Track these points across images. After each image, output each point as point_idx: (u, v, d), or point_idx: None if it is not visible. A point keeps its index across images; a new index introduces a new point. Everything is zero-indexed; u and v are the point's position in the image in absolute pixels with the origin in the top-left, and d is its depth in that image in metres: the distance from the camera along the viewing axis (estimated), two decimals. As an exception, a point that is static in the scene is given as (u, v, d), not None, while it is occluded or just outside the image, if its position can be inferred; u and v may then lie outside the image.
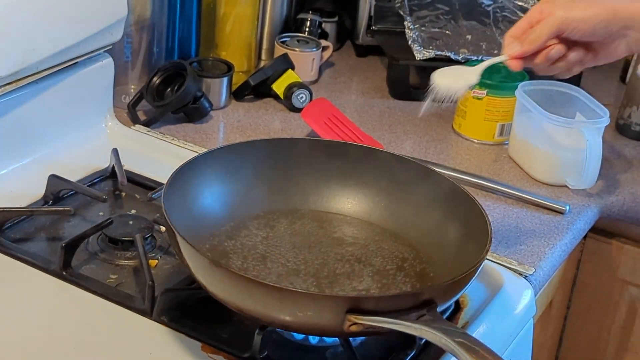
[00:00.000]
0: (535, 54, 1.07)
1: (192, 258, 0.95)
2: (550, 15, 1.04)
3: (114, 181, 1.29)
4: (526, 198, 1.39)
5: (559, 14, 1.04)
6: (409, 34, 1.67)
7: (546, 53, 1.07)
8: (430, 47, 1.65)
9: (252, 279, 0.93)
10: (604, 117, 1.40)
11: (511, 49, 1.06)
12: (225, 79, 1.56)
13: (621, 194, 1.45)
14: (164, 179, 1.07)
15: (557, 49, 1.06)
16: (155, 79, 1.49)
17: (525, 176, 1.47)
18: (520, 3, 1.77)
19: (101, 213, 1.22)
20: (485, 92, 1.52)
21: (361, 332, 0.92)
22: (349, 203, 1.19)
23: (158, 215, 1.17)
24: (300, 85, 1.59)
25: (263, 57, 1.76)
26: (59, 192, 1.23)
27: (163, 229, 1.17)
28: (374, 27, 1.81)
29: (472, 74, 1.11)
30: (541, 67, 1.09)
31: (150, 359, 0.98)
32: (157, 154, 1.38)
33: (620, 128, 1.65)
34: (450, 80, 1.10)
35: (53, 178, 1.22)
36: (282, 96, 1.60)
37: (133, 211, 1.23)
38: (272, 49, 1.72)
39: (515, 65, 1.07)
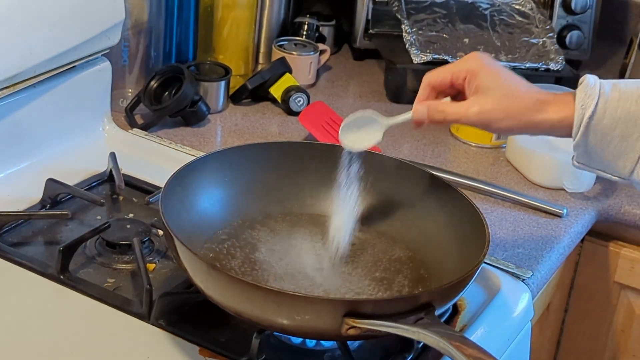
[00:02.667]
0: None
1: (190, 261, 0.95)
2: (467, 109, 1.04)
3: (112, 185, 1.29)
4: (524, 201, 1.39)
5: (474, 111, 1.04)
6: (407, 37, 1.67)
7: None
8: (428, 51, 1.65)
9: (249, 283, 0.93)
10: (601, 121, 1.40)
11: (418, 114, 1.08)
12: (222, 83, 1.56)
13: (618, 197, 1.45)
14: (161, 183, 1.07)
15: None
16: (152, 82, 1.49)
17: (523, 179, 1.47)
18: (517, 6, 1.77)
19: (99, 217, 1.22)
20: (482, 95, 1.52)
21: (359, 336, 0.92)
22: (346, 206, 1.19)
23: (156, 219, 1.17)
24: (298, 89, 1.59)
25: (260, 60, 1.76)
26: (56, 196, 1.23)
27: (161, 232, 1.17)
28: (371, 31, 1.82)
29: (377, 131, 1.11)
30: None
31: (147, 362, 0.98)
32: (154, 158, 1.38)
33: (618, 131, 1.65)
34: (354, 138, 1.11)
35: (50, 182, 1.22)
36: (279, 100, 1.60)
37: (131, 215, 1.23)
38: (270, 52, 1.72)
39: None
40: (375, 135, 1.10)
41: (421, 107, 1.07)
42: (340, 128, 1.11)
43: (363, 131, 1.11)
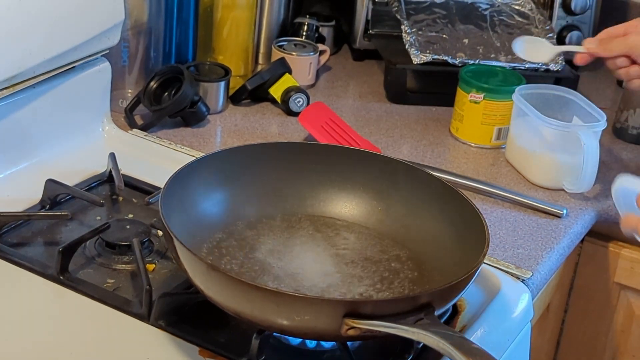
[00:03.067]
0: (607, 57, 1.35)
1: (190, 262, 0.95)
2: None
3: (111, 185, 1.29)
4: (523, 202, 1.39)
5: (632, 39, 1.30)
6: (406, 38, 1.67)
7: (614, 60, 1.33)
8: (427, 51, 1.65)
9: (249, 283, 0.92)
10: (601, 121, 1.41)
11: (590, 44, 1.34)
12: (222, 83, 1.56)
13: (618, 197, 1.45)
14: (161, 183, 1.07)
15: (621, 60, 1.32)
16: (152, 83, 1.49)
17: (523, 180, 1.47)
18: (517, 7, 1.77)
19: (98, 217, 1.22)
20: (482, 95, 1.52)
21: (359, 337, 0.92)
22: (346, 207, 1.19)
23: (155, 219, 1.17)
24: (298, 90, 1.59)
25: (260, 61, 1.76)
26: (56, 196, 1.23)
27: (160, 233, 1.17)
28: (371, 31, 1.82)
29: (547, 54, 1.46)
30: (610, 67, 1.35)
31: (147, 363, 0.98)
32: (154, 158, 1.38)
33: (617, 132, 1.65)
34: (528, 52, 1.45)
35: (50, 182, 1.22)
36: (279, 100, 1.60)
37: (130, 215, 1.23)
38: (269, 53, 1.72)
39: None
40: (545, 56, 1.47)
41: (592, 39, 1.34)
42: (517, 39, 1.44)
43: (534, 50, 1.45)
